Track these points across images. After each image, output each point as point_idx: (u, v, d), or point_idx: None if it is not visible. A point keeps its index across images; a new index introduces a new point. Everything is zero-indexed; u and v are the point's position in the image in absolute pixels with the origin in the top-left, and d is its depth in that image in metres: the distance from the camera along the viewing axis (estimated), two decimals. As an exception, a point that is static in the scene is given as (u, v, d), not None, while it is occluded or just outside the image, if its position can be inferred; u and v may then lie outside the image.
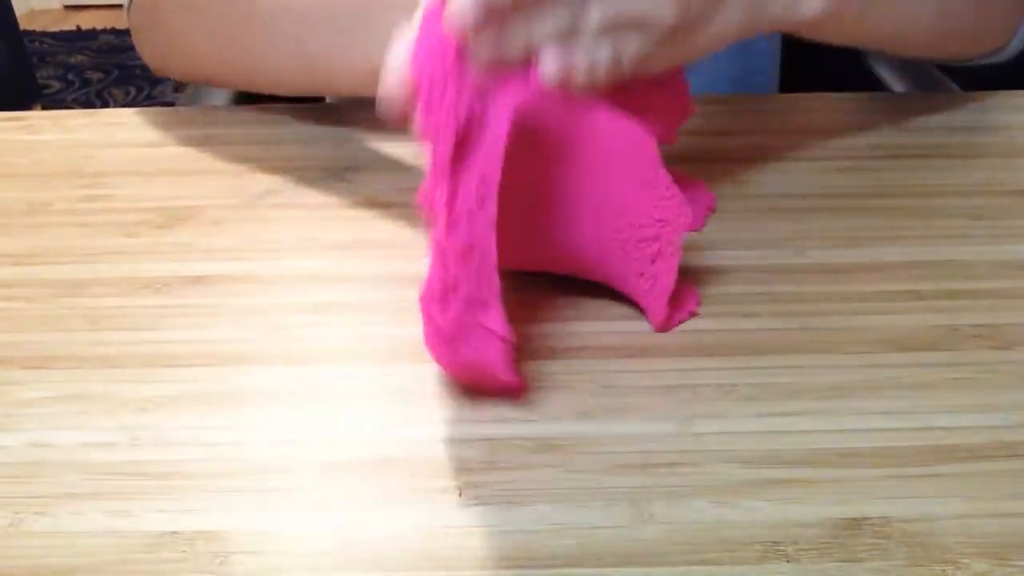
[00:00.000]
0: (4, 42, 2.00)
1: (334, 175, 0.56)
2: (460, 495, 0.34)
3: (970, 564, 0.31)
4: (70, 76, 2.76)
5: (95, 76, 2.75)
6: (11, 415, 0.38)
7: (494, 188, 0.36)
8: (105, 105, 2.54)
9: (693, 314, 0.43)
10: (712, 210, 0.51)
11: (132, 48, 0.68)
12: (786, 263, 0.47)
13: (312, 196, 0.54)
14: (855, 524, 0.33)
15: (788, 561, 0.31)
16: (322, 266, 0.48)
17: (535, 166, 0.41)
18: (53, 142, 0.61)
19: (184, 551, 0.32)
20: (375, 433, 0.37)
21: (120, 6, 0.67)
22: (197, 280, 0.47)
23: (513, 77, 0.37)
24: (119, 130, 0.63)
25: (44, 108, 2.28)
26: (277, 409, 0.39)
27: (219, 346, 0.42)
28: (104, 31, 3.08)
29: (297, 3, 0.57)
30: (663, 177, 0.40)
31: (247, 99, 0.70)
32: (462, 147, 0.36)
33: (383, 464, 0.36)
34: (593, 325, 0.43)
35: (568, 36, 0.38)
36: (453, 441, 0.37)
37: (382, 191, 0.54)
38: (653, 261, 0.41)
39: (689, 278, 0.45)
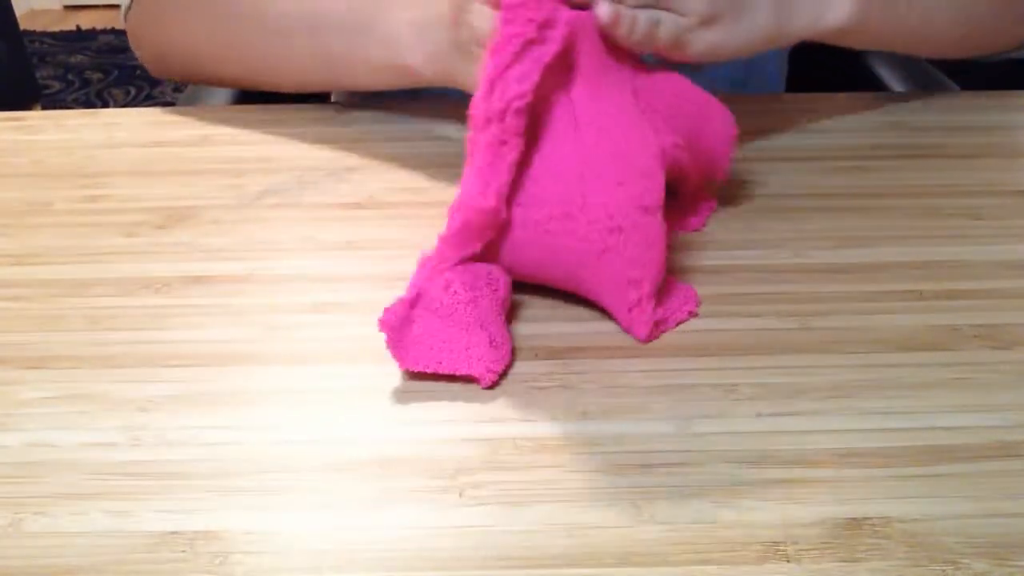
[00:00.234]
0: (4, 42, 2.00)
1: (334, 175, 0.56)
2: (460, 495, 0.34)
3: (970, 564, 0.31)
4: (70, 76, 2.76)
5: (95, 76, 2.75)
6: (11, 415, 0.38)
7: (528, 91, 0.40)
8: (105, 105, 2.54)
9: (693, 314, 0.43)
10: (712, 210, 0.51)
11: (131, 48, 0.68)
12: (786, 263, 0.47)
13: (312, 196, 0.54)
14: (855, 524, 0.33)
15: (788, 561, 0.31)
16: (322, 266, 0.48)
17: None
18: (53, 142, 0.61)
19: (184, 551, 0.32)
20: (375, 433, 0.37)
21: (120, 6, 0.67)
22: (197, 280, 0.47)
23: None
24: (119, 130, 0.63)
25: (44, 108, 2.28)
26: (277, 409, 0.39)
27: (219, 346, 0.42)
28: (104, 31, 3.09)
29: (309, 1, 0.57)
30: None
31: (247, 99, 0.70)
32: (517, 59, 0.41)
33: (383, 464, 0.36)
34: (593, 325, 0.43)
35: None
36: (453, 441, 0.37)
37: (382, 191, 0.54)
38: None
39: (689, 278, 0.45)
